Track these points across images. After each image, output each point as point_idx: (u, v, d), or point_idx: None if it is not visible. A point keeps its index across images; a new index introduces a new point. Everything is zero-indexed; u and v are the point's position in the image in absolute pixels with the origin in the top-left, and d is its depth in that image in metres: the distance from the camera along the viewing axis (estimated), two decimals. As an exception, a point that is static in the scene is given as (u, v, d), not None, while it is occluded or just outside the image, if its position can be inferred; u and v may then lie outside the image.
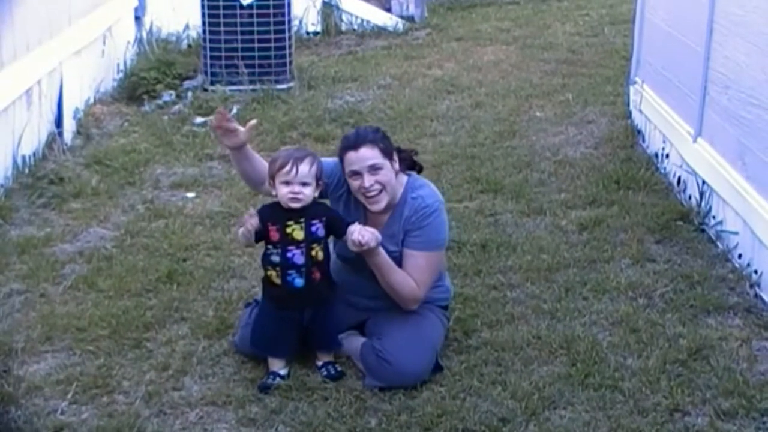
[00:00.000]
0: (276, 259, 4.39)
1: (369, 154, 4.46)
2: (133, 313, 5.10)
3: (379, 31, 12.26)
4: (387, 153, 4.51)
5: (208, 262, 5.73)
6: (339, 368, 4.53)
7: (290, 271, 4.38)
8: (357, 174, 4.47)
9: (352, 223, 4.42)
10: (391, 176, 4.52)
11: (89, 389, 4.42)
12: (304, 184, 4.34)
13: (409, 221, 4.55)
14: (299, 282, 4.39)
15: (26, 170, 7.00)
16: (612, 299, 5.23)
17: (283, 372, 4.49)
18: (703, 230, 6.03)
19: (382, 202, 4.52)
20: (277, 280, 4.41)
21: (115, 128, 8.45)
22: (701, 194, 6.17)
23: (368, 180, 4.46)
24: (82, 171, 7.23)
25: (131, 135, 8.27)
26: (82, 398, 4.35)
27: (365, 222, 4.56)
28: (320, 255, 4.43)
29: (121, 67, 10.06)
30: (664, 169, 7.04)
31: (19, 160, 6.97)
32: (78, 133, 8.16)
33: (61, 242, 6.04)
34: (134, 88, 9.46)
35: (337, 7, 12.26)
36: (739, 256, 5.60)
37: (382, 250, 4.41)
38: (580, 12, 13.35)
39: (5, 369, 4.55)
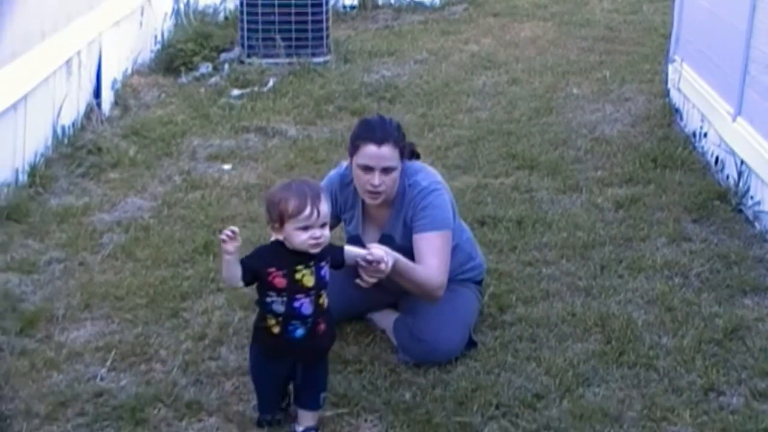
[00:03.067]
0: (280, 308, 3.77)
1: (389, 155, 4.28)
2: (170, 283, 5.14)
3: (416, 6, 12.25)
4: (402, 154, 4.37)
5: (244, 233, 5.65)
6: None
7: (294, 322, 3.79)
8: (369, 169, 4.29)
9: (350, 240, 4.25)
10: (397, 178, 4.37)
11: (127, 357, 4.47)
12: (323, 225, 3.75)
13: (410, 207, 4.40)
14: (300, 333, 3.79)
15: (65, 140, 7.06)
16: (648, 278, 5.22)
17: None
18: (740, 210, 6.01)
19: (380, 199, 4.37)
20: (276, 329, 3.80)
21: (153, 99, 8.50)
22: (739, 174, 6.13)
23: (378, 179, 4.29)
24: (119, 142, 7.28)
25: (168, 106, 8.32)
26: (121, 365, 4.40)
27: (363, 215, 4.49)
28: (326, 302, 3.86)
29: (159, 38, 10.11)
30: (702, 148, 7.00)
31: (59, 130, 7.02)
32: (116, 103, 8.22)
33: (99, 212, 6.10)
34: (171, 59, 9.51)
35: (374, -19, 12.25)
36: (777, 236, 5.57)
37: (396, 259, 4.09)
38: (619, -11, 13.27)
39: (47, 335, 4.61)
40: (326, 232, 3.74)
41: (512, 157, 7.05)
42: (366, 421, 4.04)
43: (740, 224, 5.86)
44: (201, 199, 6.33)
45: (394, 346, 4.56)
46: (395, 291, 4.58)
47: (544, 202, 6.26)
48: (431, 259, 4.32)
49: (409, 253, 4.35)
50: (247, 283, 3.78)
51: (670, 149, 7.03)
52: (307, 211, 3.67)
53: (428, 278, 4.29)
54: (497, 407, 4.09)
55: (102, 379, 4.28)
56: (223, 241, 3.64)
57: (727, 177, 6.36)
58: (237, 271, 3.72)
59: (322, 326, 3.84)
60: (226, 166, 6.98)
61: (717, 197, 6.18)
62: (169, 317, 4.83)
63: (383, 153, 4.26)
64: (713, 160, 6.69)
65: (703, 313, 4.84)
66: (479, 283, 4.80)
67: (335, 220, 4.53)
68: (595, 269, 5.31)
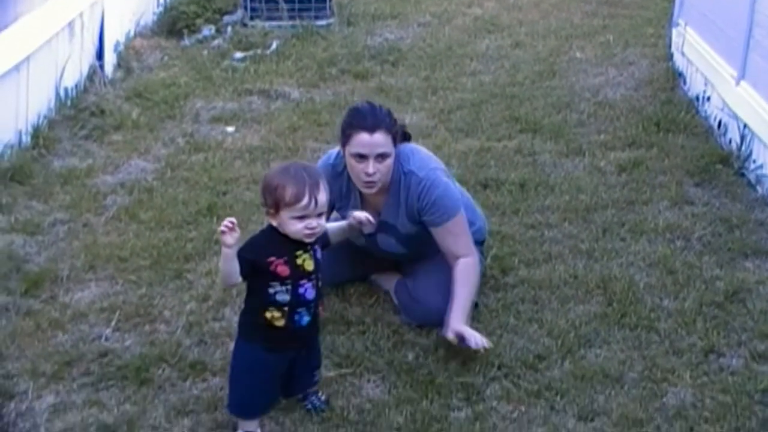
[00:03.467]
0: (285, 297, 3.57)
1: (382, 141, 4.19)
2: (173, 245, 5.16)
3: (420, -31, 12.17)
4: (395, 140, 4.27)
5: (248, 196, 5.77)
6: (323, 397, 3.91)
7: (300, 309, 3.61)
8: (363, 157, 4.20)
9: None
10: (391, 164, 4.28)
11: (132, 317, 4.50)
12: (320, 214, 3.56)
13: (414, 200, 4.34)
14: (306, 320, 3.64)
15: (68, 102, 7.06)
16: (649, 241, 5.24)
17: (259, 430, 3.77)
18: (742, 174, 6.01)
19: (376, 188, 4.30)
20: (281, 322, 3.59)
21: (155, 62, 8.49)
22: (742, 138, 6.13)
23: (373, 167, 4.20)
24: (122, 104, 7.28)
25: (171, 69, 8.30)
26: (125, 326, 4.43)
27: (361, 203, 4.40)
28: (320, 283, 3.71)
29: (161, 0, 10.07)
30: (705, 112, 7.00)
31: (62, 92, 7.02)
32: (119, 66, 8.21)
33: (102, 173, 6.11)
34: (174, 22, 9.48)
35: (378, -56, 12.16)
36: (779, 200, 5.58)
37: (461, 311, 4.23)
38: (623, -48, 13.20)
39: (52, 296, 4.64)
40: (322, 221, 3.57)
41: (515, 121, 7.05)
42: (369, 381, 4.08)
43: (742, 188, 5.87)
44: (204, 161, 6.34)
45: (397, 307, 4.58)
46: (395, 260, 4.62)
47: (547, 166, 6.26)
48: (457, 247, 4.36)
49: (415, 238, 4.42)
50: (246, 277, 3.54)
51: (673, 113, 7.03)
52: (305, 200, 3.48)
53: (468, 268, 4.35)
54: (499, 368, 4.12)
55: (107, 339, 4.32)
56: (222, 232, 3.39)
57: (730, 141, 6.36)
58: (236, 266, 3.48)
59: (321, 307, 3.78)
60: (230, 129, 6.99)
61: (719, 161, 6.19)
62: (172, 278, 4.85)
63: (376, 140, 4.18)
64: (716, 123, 6.69)
65: (704, 275, 4.86)
66: (481, 243, 4.81)
67: (329, 209, 4.26)
68: (598, 232, 5.33)
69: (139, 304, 4.61)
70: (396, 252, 4.54)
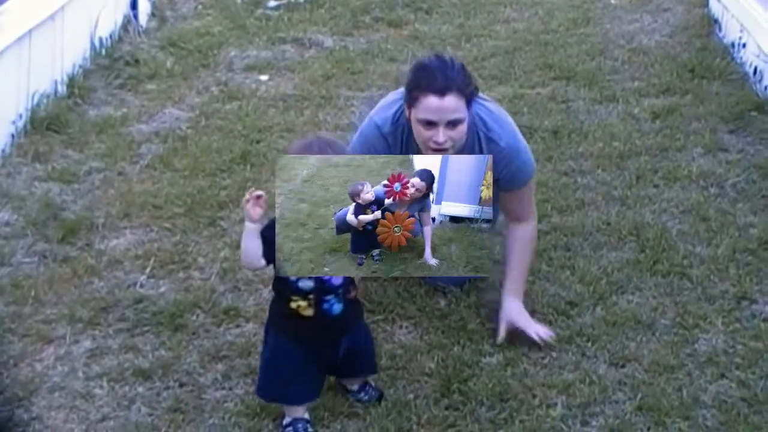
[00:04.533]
0: (308, 284, 3.31)
1: (454, 106, 3.68)
2: (207, 193, 5.20)
3: None
4: (469, 101, 3.77)
5: (281, 144, 5.80)
6: (377, 388, 3.72)
7: (328, 297, 3.36)
8: (432, 124, 3.72)
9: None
10: (464, 130, 3.78)
11: (166, 264, 4.55)
12: None
13: (494, 168, 3.81)
14: (338, 308, 3.39)
15: (103, 52, 7.09)
16: (683, 188, 5.22)
17: (307, 415, 3.54)
18: (778, 121, 5.96)
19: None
20: (309, 311, 3.34)
21: (189, 11, 8.49)
22: (778, 84, 6.08)
23: (443, 135, 3.71)
24: (157, 53, 7.30)
25: (205, 18, 8.30)
26: (160, 273, 4.49)
27: None
28: None
29: (195, -51, 10.03)
30: (741, 58, 6.92)
31: (96, 42, 7.05)
32: (153, 15, 8.21)
33: (137, 122, 6.15)
34: (208, -30, 9.45)
35: None
36: (815, 147, 5.53)
37: (517, 291, 4.07)
38: None
39: (88, 243, 4.70)
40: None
41: (549, 68, 7.01)
42: (401, 327, 4.12)
43: (778, 135, 5.83)
44: (238, 109, 6.37)
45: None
46: None
47: (581, 113, 6.23)
48: (521, 209, 4.15)
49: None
50: (269, 262, 3.29)
51: (708, 60, 6.96)
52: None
53: (526, 237, 4.16)
54: (531, 314, 4.12)
55: (142, 286, 4.38)
56: (248, 201, 3.20)
57: (765, 88, 6.29)
58: (259, 246, 3.25)
59: (353, 292, 3.48)
60: (263, 77, 7.00)
61: (754, 108, 6.12)
62: (206, 226, 4.90)
63: (447, 105, 3.68)
64: (752, 70, 6.62)
65: (737, 222, 4.84)
66: None
67: None
68: (631, 179, 5.31)
69: (174, 251, 4.66)
70: None
